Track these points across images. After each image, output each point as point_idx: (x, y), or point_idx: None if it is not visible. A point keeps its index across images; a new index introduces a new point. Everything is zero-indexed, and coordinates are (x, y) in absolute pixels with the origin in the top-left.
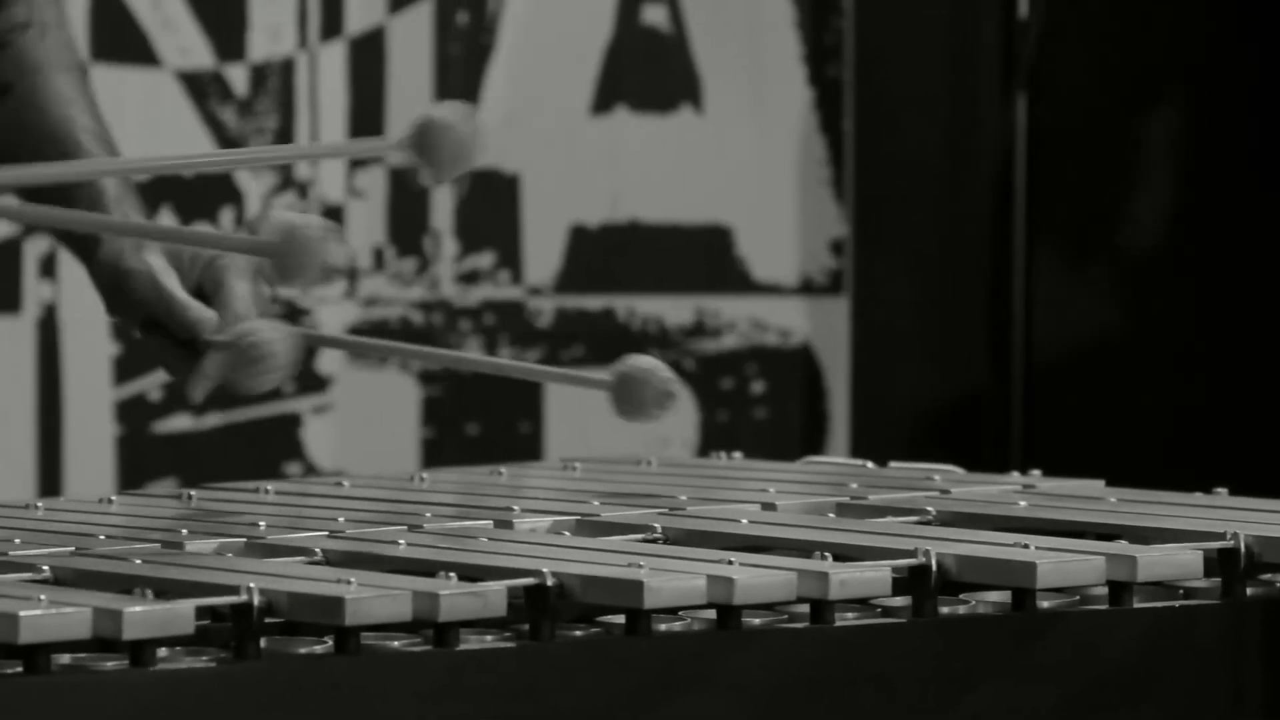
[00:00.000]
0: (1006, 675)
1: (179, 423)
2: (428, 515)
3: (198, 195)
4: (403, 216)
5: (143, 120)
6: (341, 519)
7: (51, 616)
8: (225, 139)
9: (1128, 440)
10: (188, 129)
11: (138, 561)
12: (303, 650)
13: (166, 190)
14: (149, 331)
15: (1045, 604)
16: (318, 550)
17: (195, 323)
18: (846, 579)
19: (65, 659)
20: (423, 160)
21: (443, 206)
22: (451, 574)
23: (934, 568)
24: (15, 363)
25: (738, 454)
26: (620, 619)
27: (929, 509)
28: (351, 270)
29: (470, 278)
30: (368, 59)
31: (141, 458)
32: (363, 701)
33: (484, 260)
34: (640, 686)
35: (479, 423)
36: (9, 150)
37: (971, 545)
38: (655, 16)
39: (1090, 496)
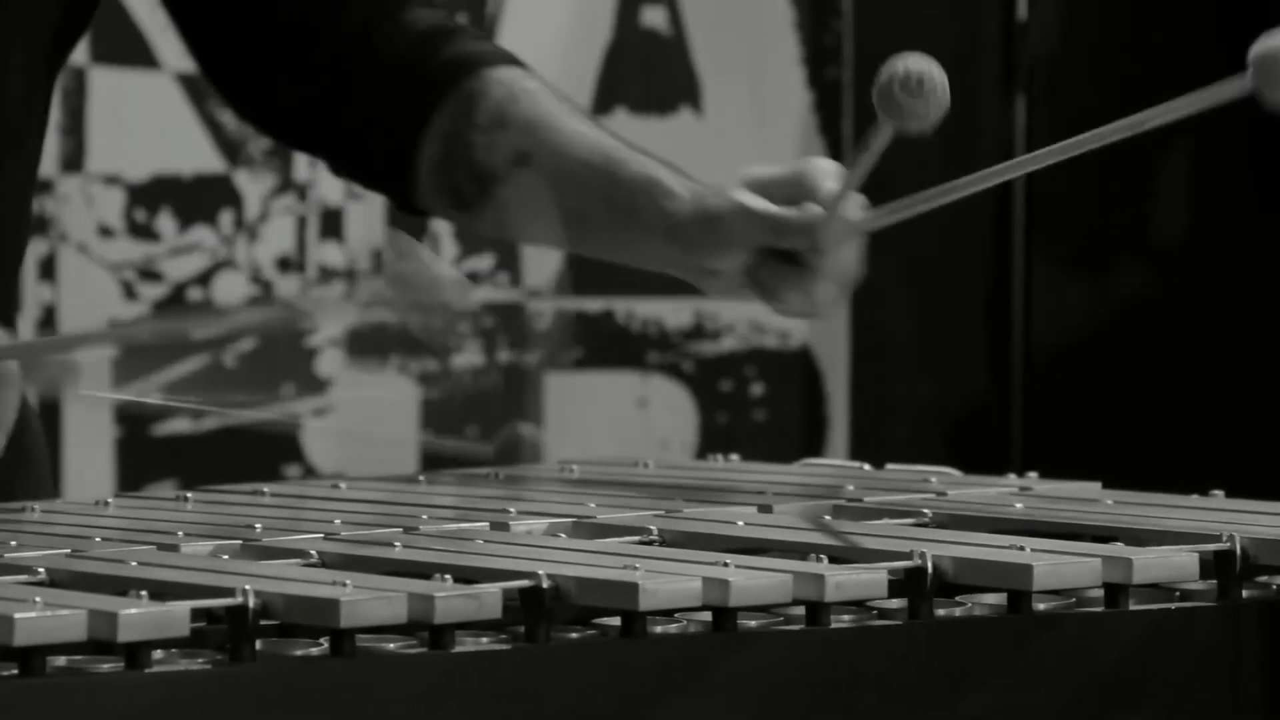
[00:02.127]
0: (1002, 678)
1: (178, 425)
2: (424, 517)
3: (196, 197)
4: (402, 219)
5: (142, 123)
6: (338, 521)
7: (47, 619)
8: (225, 142)
9: (1125, 443)
10: (187, 131)
11: (133, 563)
12: (298, 652)
13: (165, 193)
14: (756, 269)
15: (1041, 606)
16: (313, 552)
17: (812, 225)
18: (842, 581)
19: (61, 661)
20: None
21: None
22: (447, 576)
23: (930, 570)
24: (14, 365)
25: (734, 456)
26: (616, 621)
27: (925, 511)
28: (350, 272)
29: (469, 279)
30: None
31: (140, 460)
32: (358, 704)
33: (483, 262)
34: (636, 689)
35: (478, 425)
36: (559, 203)
37: (967, 547)
38: (654, 18)
39: (1087, 499)
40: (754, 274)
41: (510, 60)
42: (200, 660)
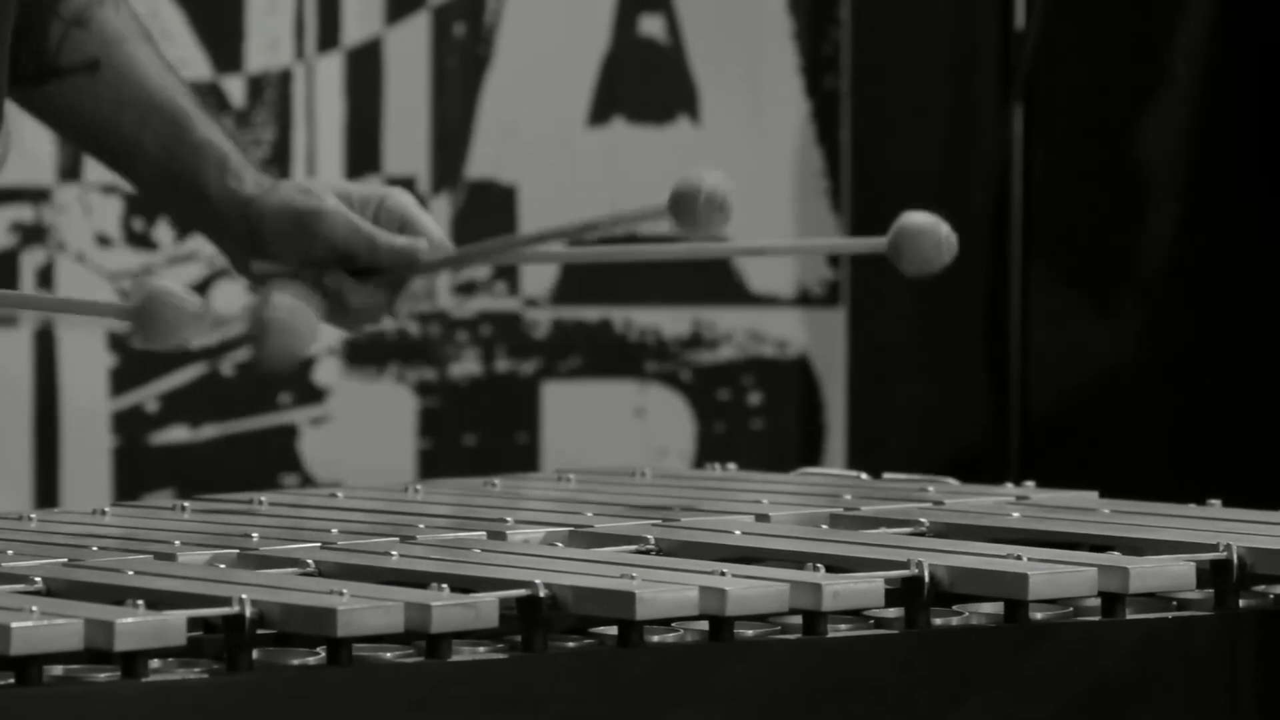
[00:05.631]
0: (999, 687)
1: (176, 434)
2: (421, 526)
3: None
4: None
5: None
6: (335, 530)
7: (43, 628)
8: None
9: (1123, 452)
10: None
11: (130, 573)
12: (295, 661)
13: None
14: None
15: (1038, 615)
16: (310, 562)
17: (405, 249)
18: (839, 590)
19: (57, 670)
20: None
21: (439, 217)
22: (444, 585)
23: (927, 579)
24: (13, 374)
25: (732, 465)
26: (613, 630)
27: (922, 520)
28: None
29: (467, 289)
30: (365, 70)
31: (138, 469)
32: (354, 713)
33: (480, 271)
34: (633, 698)
35: (476, 434)
36: (114, 125)
37: (964, 556)
38: (652, 27)
39: (1084, 508)
40: (325, 278)
41: None
42: (197, 669)
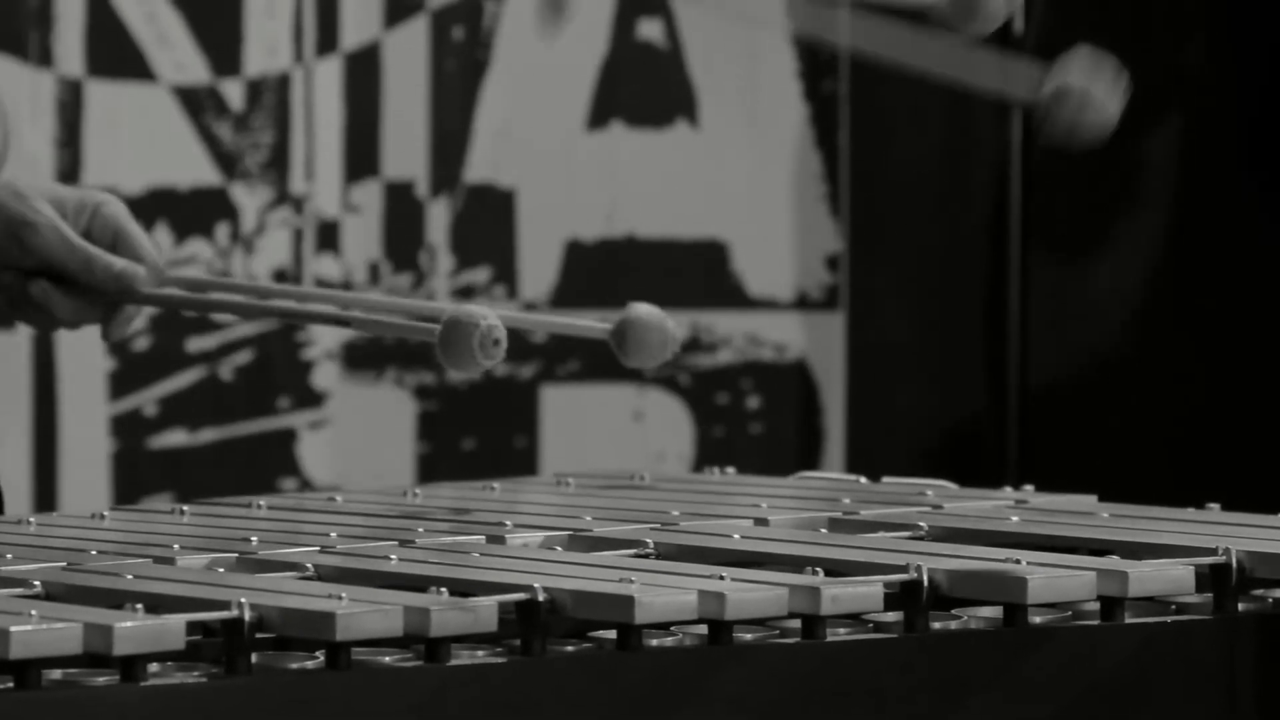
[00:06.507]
0: (998, 690)
1: (174, 438)
2: (420, 530)
3: (193, 210)
4: (398, 231)
5: (139, 135)
6: (334, 534)
7: (42, 632)
8: (221, 154)
9: (1122, 455)
10: (184, 144)
11: (129, 577)
12: (294, 666)
13: (161, 206)
14: (29, 280)
15: (1037, 619)
16: (309, 565)
17: (122, 274)
18: (838, 594)
19: (56, 674)
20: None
21: (438, 221)
22: (443, 589)
23: (926, 583)
24: (11, 378)
25: (731, 469)
26: (612, 634)
27: (921, 524)
28: (346, 284)
29: (466, 292)
30: (363, 74)
31: (137, 473)
32: (353, 716)
33: (480, 275)
34: (631, 701)
35: (475, 437)
36: None
37: (963, 560)
38: (651, 31)
39: (1083, 511)
40: (31, 287)
41: None
42: (196, 673)
